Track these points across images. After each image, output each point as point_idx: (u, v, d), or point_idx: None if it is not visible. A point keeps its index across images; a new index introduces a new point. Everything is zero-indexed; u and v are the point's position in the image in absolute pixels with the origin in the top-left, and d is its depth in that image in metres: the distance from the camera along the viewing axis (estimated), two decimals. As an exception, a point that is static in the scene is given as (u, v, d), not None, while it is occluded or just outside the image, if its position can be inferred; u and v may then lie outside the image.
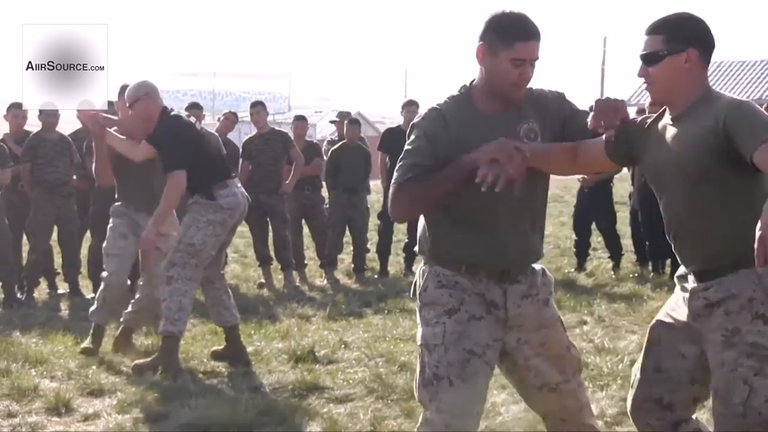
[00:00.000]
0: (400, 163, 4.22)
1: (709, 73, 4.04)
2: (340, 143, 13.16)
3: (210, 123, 18.71)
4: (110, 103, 11.17)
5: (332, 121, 15.19)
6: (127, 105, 7.32)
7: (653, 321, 4.31)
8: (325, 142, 15.22)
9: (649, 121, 4.12)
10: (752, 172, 3.62)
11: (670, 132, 3.94)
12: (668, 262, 12.15)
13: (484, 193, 3.84)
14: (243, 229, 14.15)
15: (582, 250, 12.79)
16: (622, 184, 18.25)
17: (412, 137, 4.27)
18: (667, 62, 3.88)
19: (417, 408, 6.23)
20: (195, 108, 12.38)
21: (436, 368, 4.06)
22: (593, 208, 12.50)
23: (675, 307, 4.19)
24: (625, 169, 13.06)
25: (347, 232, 12.89)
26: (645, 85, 4.02)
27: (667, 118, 4.01)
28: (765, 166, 3.51)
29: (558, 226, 18.53)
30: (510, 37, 3.98)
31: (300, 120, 13.55)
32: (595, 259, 13.45)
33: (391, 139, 12.93)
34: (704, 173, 3.78)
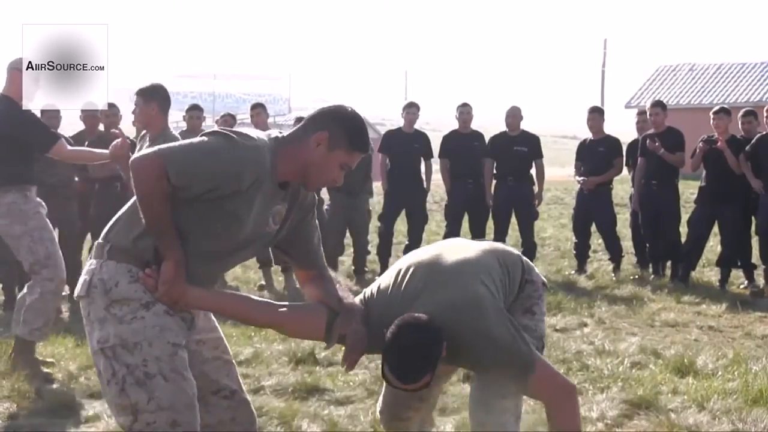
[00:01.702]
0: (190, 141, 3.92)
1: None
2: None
3: (210, 125, 18.69)
4: (111, 105, 11.18)
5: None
6: None
7: None
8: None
9: None
10: None
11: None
12: (668, 264, 12.16)
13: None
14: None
15: (582, 252, 12.80)
16: (623, 186, 18.28)
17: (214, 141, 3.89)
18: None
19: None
20: (195, 110, 12.36)
21: (145, 366, 3.85)
22: (593, 210, 12.51)
23: None
24: (625, 171, 13.07)
25: (348, 234, 12.88)
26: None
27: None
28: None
29: (558, 228, 18.55)
30: (355, 147, 4.01)
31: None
32: (596, 261, 13.46)
33: (392, 140, 12.97)
34: None
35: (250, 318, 4.23)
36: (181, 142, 3.97)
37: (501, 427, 4.28)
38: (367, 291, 4.36)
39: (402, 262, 4.39)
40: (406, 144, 12.79)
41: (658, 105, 12.24)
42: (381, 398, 4.85)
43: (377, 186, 14.01)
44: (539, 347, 4.32)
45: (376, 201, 15.28)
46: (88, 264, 4.04)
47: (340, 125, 3.95)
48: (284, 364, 7.68)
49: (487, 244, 4.63)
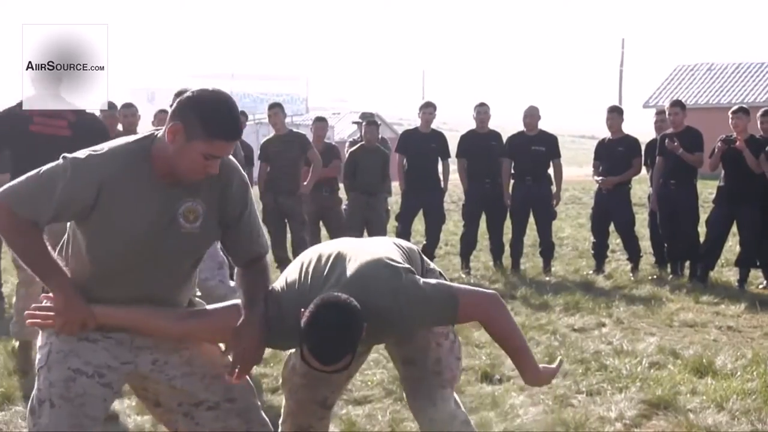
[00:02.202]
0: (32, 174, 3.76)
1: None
2: (359, 145, 13.19)
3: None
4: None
5: (355, 122, 15.19)
6: None
7: None
8: (347, 143, 15.22)
9: None
10: None
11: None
12: (687, 264, 12.12)
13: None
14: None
15: (600, 252, 12.77)
16: (641, 186, 18.22)
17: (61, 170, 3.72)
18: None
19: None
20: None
21: (39, 391, 3.83)
22: (612, 209, 12.48)
23: None
24: (643, 171, 13.03)
25: (365, 234, 12.89)
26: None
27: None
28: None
29: (576, 228, 18.50)
30: (213, 134, 3.66)
31: (320, 121, 13.58)
32: (614, 261, 13.42)
33: (409, 140, 12.98)
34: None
35: (162, 330, 3.97)
36: (27, 175, 3.77)
37: (452, 415, 4.29)
38: (276, 286, 4.18)
39: (303, 256, 4.28)
40: (424, 144, 12.78)
41: (678, 105, 12.20)
42: (283, 410, 4.74)
43: (395, 186, 14.03)
44: (455, 333, 4.39)
45: (394, 200, 15.29)
46: None
47: (194, 113, 3.66)
48: (302, 363, 7.67)
49: (384, 237, 4.77)
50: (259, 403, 4.27)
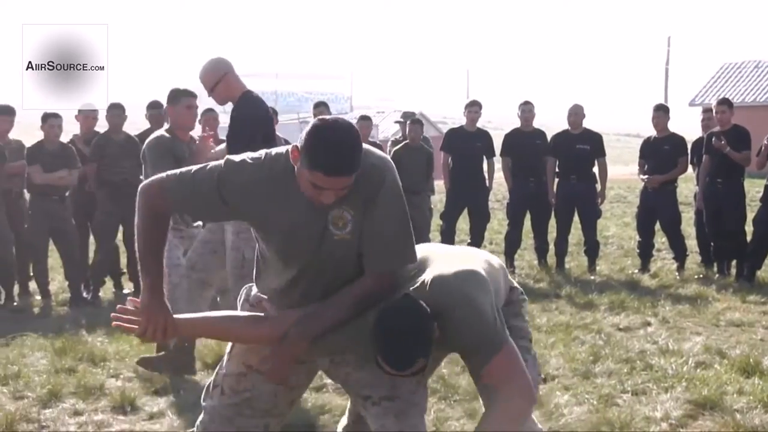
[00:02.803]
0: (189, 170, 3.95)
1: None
2: (403, 143, 13.20)
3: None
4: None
5: (397, 122, 15.20)
6: (208, 88, 7.13)
7: None
8: (389, 143, 15.23)
9: None
10: None
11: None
12: (733, 263, 12.03)
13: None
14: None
15: (646, 251, 12.71)
16: (687, 185, 18.09)
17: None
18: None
19: (480, 409, 6.23)
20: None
21: (217, 375, 4.25)
22: (658, 208, 12.41)
23: None
24: (690, 169, 12.95)
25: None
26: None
27: None
28: None
29: (621, 226, 18.41)
30: (313, 165, 3.62)
31: (365, 120, 13.58)
32: (659, 260, 13.35)
33: (454, 139, 12.97)
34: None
35: (238, 335, 4.10)
36: (194, 167, 3.97)
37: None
38: None
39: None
40: (469, 142, 12.77)
41: (725, 103, 12.10)
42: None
43: (439, 184, 14.02)
44: (529, 348, 4.27)
45: (438, 199, 15.28)
46: None
47: (306, 140, 3.66)
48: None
49: (472, 249, 4.56)
50: (423, 408, 4.21)
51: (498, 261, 4.35)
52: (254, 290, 4.20)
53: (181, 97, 7.86)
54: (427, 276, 3.94)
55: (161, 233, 3.96)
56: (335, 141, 3.64)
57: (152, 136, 7.92)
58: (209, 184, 3.83)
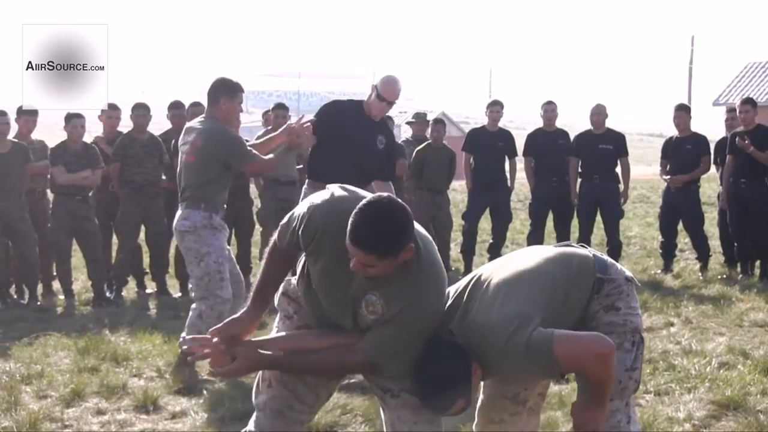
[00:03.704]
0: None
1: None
2: (425, 143, 13.18)
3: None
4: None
5: (409, 123, 15.19)
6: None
7: None
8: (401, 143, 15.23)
9: None
10: None
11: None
12: (757, 263, 11.99)
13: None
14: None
15: (668, 251, 12.67)
16: (710, 185, 18.04)
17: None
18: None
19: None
20: (281, 108, 12.32)
21: (264, 371, 4.31)
22: (681, 208, 12.38)
23: None
24: (713, 169, 12.90)
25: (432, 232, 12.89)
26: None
27: None
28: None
29: (644, 227, 18.37)
30: (349, 236, 3.73)
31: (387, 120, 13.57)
32: (682, 261, 13.31)
33: (476, 139, 12.95)
34: None
35: (309, 348, 4.17)
36: None
37: None
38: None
39: (476, 273, 4.30)
40: (491, 142, 12.75)
41: (749, 102, 12.06)
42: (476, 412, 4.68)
43: (461, 184, 14.01)
44: (636, 341, 4.20)
45: (460, 199, 15.27)
46: None
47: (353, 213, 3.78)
48: (368, 361, 7.68)
49: (557, 253, 4.39)
50: None
51: (581, 259, 4.30)
52: (293, 283, 4.30)
53: (238, 92, 7.53)
54: (470, 313, 4.04)
55: (273, 261, 4.27)
56: (376, 219, 3.72)
57: (214, 129, 7.41)
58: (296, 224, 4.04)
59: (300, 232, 3.96)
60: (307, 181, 8.05)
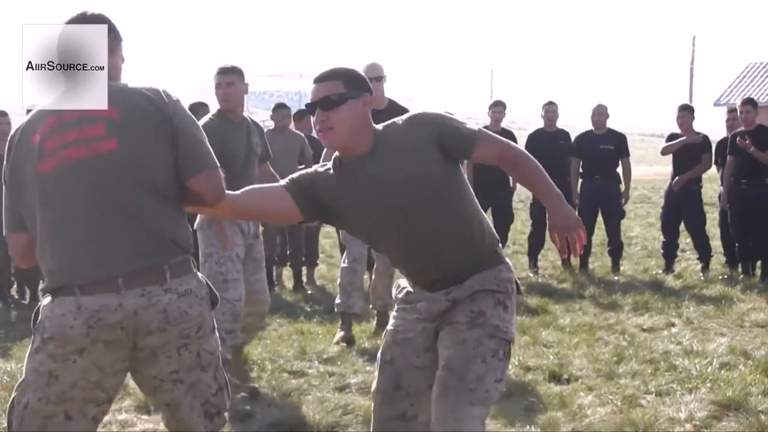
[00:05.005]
0: None
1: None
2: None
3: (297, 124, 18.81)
4: (204, 104, 11.26)
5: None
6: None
7: (383, 345, 4.34)
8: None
9: (330, 171, 4.16)
10: (460, 180, 4.14)
11: (374, 167, 4.03)
12: (758, 263, 11.98)
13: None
14: (329, 229, 14.23)
15: (670, 251, 12.67)
16: (712, 185, 18.04)
17: None
18: (350, 105, 3.98)
19: (504, 409, 6.23)
20: (283, 108, 12.28)
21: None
22: (682, 209, 12.38)
23: (398, 328, 4.29)
24: (714, 170, 12.91)
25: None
26: (323, 127, 3.98)
27: (354, 160, 4.07)
28: (483, 158, 4.22)
29: (645, 227, 18.37)
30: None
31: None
32: (684, 261, 13.31)
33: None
34: (432, 190, 4.01)
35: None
36: None
37: None
38: None
39: None
40: (493, 142, 12.71)
41: (750, 102, 12.06)
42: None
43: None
44: (506, 352, 4.12)
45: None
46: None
47: None
48: (369, 362, 7.70)
49: None
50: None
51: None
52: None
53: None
54: None
55: None
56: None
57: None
58: None
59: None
60: None
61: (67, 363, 3.74)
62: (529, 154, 4.33)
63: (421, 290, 4.19)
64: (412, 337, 4.20)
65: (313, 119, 4.02)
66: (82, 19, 3.94)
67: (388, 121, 4.12)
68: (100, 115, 3.81)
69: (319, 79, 4.00)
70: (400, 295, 4.31)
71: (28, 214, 3.82)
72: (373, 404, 4.33)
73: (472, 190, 4.26)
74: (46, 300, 3.81)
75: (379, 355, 4.34)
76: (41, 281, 10.97)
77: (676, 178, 12.39)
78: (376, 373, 4.33)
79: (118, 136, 3.78)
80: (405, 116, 4.10)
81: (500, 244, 4.30)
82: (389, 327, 4.34)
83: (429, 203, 3.99)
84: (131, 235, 3.77)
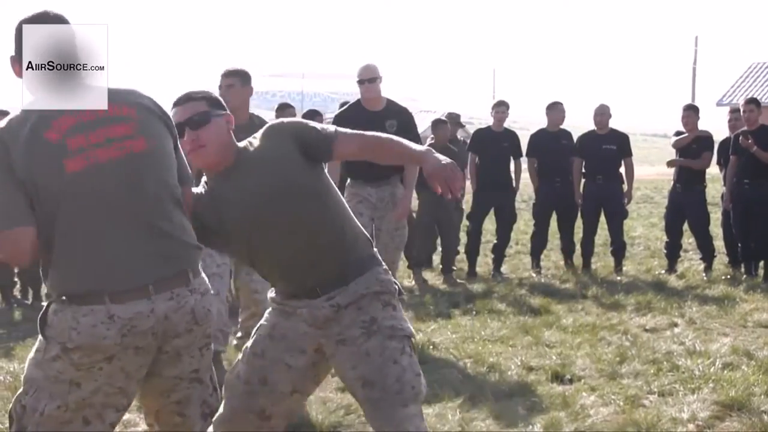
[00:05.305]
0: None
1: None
2: (428, 143, 13.15)
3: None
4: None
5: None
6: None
7: (254, 338, 4.27)
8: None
9: (202, 192, 4.16)
10: (326, 185, 4.11)
11: (239, 181, 4.04)
12: (761, 264, 11.97)
13: None
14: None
15: (673, 251, 12.66)
16: (714, 185, 18.02)
17: None
18: (216, 122, 4.03)
19: (506, 409, 6.23)
20: (288, 108, 12.23)
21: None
22: (686, 209, 12.37)
23: (276, 325, 4.21)
24: (717, 170, 12.89)
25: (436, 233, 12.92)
26: (195, 146, 4.01)
27: (220, 177, 4.09)
28: (345, 154, 4.23)
29: (648, 227, 18.36)
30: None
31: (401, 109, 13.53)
32: (687, 261, 13.30)
33: (481, 139, 12.93)
34: (299, 198, 3.99)
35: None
36: None
37: None
38: None
39: None
40: (496, 143, 12.72)
41: (752, 102, 12.05)
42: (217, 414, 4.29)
43: (466, 185, 13.99)
44: (411, 346, 4.12)
45: (465, 200, 15.27)
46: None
47: None
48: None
49: None
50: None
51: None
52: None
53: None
54: None
55: None
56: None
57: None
58: None
59: None
60: (348, 181, 9.16)
61: (92, 371, 3.70)
62: (385, 135, 4.33)
63: (300, 299, 4.13)
64: (290, 335, 4.14)
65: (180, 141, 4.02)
66: (44, 18, 3.88)
67: (249, 137, 4.17)
68: (122, 115, 3.81)
69: (181, 102, 4.06)
70: (277, 298, 4.25)
71: (41, 212, 3.65)
72: (229, 390, 4.24)
73: (340, 194, 4.24)
74: (60, 306, 3.72)
75: (247, 345, 4.28)
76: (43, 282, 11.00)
77: (671, 159, 12.41)
78: (241, 364, 4.25)
79: (145, 136, 3.80)
80: (262, 129, 4.16)
81: (375, 248, 4.28)
82: (263, 322, 4.27)
83: (297, 211, 3.98)
84: (160, 239, 3.77)
